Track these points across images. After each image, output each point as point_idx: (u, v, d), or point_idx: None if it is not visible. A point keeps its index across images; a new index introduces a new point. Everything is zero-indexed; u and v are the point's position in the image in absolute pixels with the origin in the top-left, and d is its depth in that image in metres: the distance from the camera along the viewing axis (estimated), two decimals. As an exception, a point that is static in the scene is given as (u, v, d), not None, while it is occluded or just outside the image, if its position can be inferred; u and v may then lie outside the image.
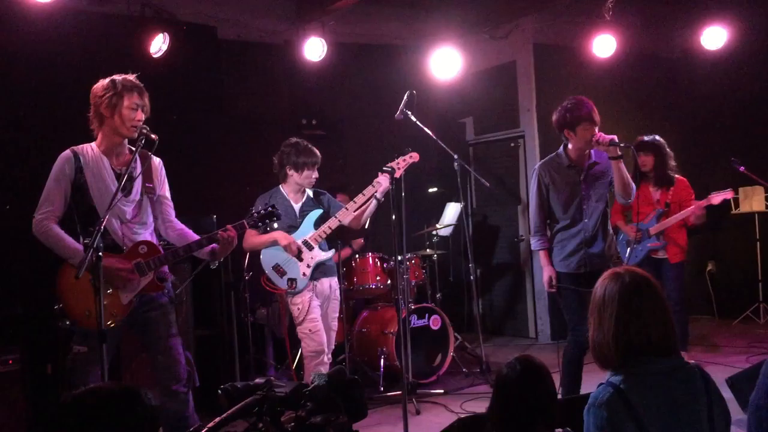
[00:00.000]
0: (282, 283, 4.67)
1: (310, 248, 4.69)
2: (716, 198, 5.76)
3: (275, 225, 4.52)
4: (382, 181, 4.58)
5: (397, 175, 4.52)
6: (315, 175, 4.77)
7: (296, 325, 4.71)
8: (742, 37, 6.94)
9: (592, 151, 4.45)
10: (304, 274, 4.67)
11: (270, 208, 3.88)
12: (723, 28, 6.80)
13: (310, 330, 4.64)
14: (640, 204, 5.57)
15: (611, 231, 4.62)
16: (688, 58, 7.95)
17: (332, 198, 5.03)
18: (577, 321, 4.35)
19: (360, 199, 4.66)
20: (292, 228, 4.74)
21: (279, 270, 4.68)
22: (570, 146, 4.46)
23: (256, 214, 3.84)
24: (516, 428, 2.32)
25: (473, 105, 8.14)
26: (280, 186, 4.86)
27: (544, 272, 4.50)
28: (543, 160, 4.66)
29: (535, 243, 4.57)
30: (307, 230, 4.74)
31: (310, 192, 4.89)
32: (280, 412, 1.87)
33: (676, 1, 7.24)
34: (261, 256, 4.76)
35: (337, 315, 4.92)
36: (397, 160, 4.63)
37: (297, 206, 4.81)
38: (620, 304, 2.18)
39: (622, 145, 4.26)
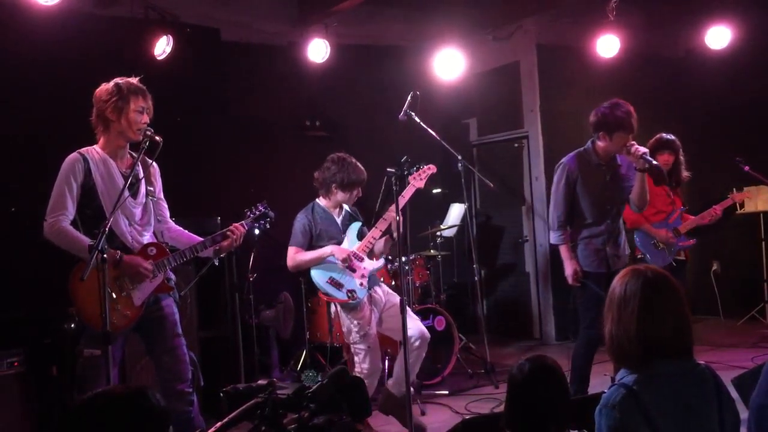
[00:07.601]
0: (342, 295, 4.51)
1: (361, 260, 4.59)
2: (737, 197, 6.05)
3: (323, 243, 4.55)
4: (388, 218, 4.51)
5: (421, 185, 4.61)
6: (359, 193, 4.69)
7: (351, 342, 4.54)
8: (747, 37, 6.92)
9: (616, 154, 4.52)
10: (362, 285, 4.55)
11: (263, 209, 3.88)
12: (727, 27, 6.80)
13: (369, 347, 4.48)
14: (661, 204, 5.56)
15: (624, 232, 4.70)
16: (692, 57, 7.94)
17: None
18: (593, 319, 4.37)
19: (384, 221, 4.55)
20: (336, 242, 4.64)
21: (335, 283, 4.53)
22: (600, 144, 4.50)
23: (251, 215, 3.86)
24: (529, 428, 2.31)
25: (477, 106, 8.14)
26: (318, 200, 4.75)
27: (568, 265, 4.52)
28: (571, 154, 4.66)
29: (556, 237, 4.59)
30: (352, 242, 4.66)
31: (346, 205, 4.81)
32: (282, 414, 1.87)
33: (679, 1, 7.22)
34: (312, 273, 4.60)
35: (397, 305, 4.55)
36: (414, 174, 4.62)
37: (339, 219, 4.73)
38: (642, 300, 2.17)
39: (653, 163, 4.35)
